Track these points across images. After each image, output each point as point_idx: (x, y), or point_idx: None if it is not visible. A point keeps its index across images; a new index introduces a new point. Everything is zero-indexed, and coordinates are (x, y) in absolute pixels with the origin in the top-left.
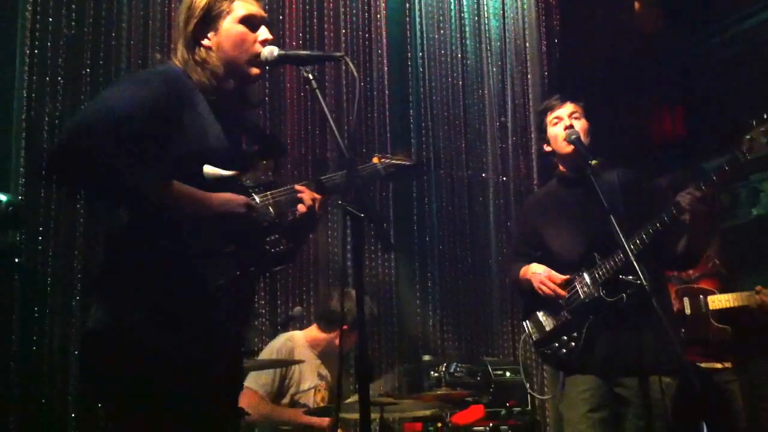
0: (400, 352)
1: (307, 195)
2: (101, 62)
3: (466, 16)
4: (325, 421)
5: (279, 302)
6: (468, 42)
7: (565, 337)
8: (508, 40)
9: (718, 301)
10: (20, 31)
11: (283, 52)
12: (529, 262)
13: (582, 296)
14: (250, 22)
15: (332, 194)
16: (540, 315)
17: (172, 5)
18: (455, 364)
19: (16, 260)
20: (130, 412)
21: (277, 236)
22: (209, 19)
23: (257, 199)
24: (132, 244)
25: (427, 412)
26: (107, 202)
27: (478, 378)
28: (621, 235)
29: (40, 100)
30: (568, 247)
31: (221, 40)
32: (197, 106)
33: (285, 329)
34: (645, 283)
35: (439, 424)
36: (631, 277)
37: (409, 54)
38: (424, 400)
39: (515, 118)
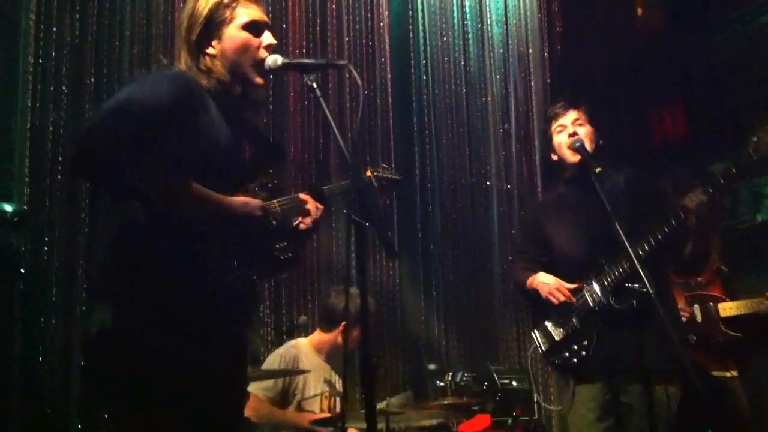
0: (404, 360)
1: (312, 204)
2: (105, 71)
3: (468, 22)
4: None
5: (284, 311)
6: (471, 48)
7: (575, 346)
8: (510, 46)
9: (729, 308)
10: (24, 38)
11: (287, 60)
12: (535, 269)
13: (591, 304)
14: (253, 27)
15: (332, 203)
16: (548, 324)
17: (176, 13)
18: (461, 372)
19: (21, 268)
20: (134, 415)
21: (285, 243)
22: (212, 27)
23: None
24: (135, 245)
25: (434, 421)
26: (123, 200)
27: (485, 386)
28: (626, 242)
29: (44, 109)
30: (575, 250)
31: (225, 47)
32: (209, 110)
33: (290, 338)
34: (651, 291)
35: None
36: (636, 285)
37: (412, 61)
38: (430, 409)
39: (518, 124)
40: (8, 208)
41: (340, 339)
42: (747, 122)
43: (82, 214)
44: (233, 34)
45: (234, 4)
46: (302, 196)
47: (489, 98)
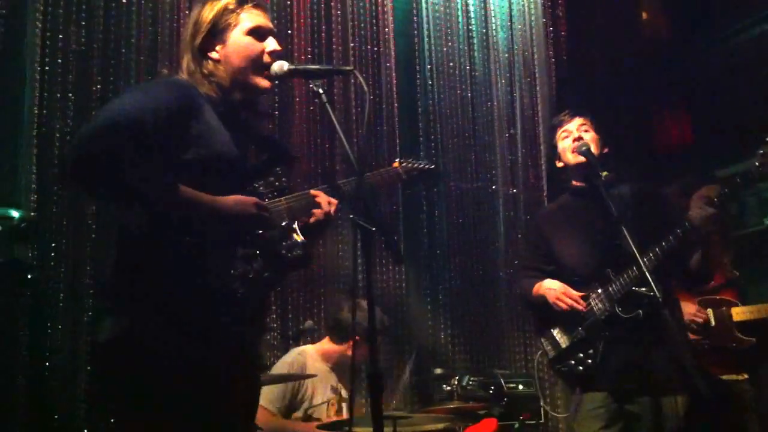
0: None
1: (323, 199)
2: (111, 78)
3: (473, 28)
4: None
5: (290, 316)
6: (476, 54)
7: (582, 354)
8: (516, 51)
9: (742, 312)
10: (30, 47)
11: (293, 66)
12: (541, 278)
13: (598, 313)
14: (257, 33)
15: (349, 199)
16: (555, 332)
17: (181, 21)
18: (467, 377)
19: (28, 275)
20: (140, 420)
21: (292, 240)
22: (217, 32)
23: (269, 204)
24: (138, 251)
25: (440, 426)
26: (118, 206)
27: (491, 391)
28: (633, 246)
29: (51, 116)
30: (581, 261)
31: (229, 52)
32: (205, 116)
33: (297, 343)
34: (658, 294)
35: None
36: (644, 289)
37: (418, 67)
38: (436, 414)
39: (524, 129)
40: (15, 214)
41: (349, 352)
42: (754, 129)
43: (88, 220)
44: (237, 39)
45: (239, 10)
46: (312, 191)
47: (494, 103)
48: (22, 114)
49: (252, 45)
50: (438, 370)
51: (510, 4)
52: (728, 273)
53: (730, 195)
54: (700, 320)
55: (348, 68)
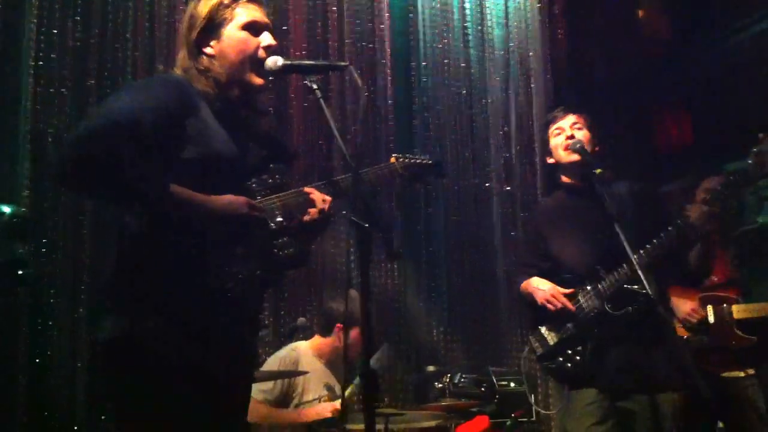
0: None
1: (317, 196)
2: (107, 73)
3: (469, 25)
4: (326, 413)
5: (283, 313)
6: (471, 51)
7: (570, 351)
8: (511, 48)
9: (744, 310)
10: (26, 42)
11: (287, 61)
12: (536, 275)
13: (587, 310)
14: (252, 28)
15: (346, 195)
16: (543, 329)
17: (178, 15)
18: (460, 374)
19: (22, 272)
20: (140, 419)
21: (285, 239)
22: (212, 27)
23: (263, 202)
24: (140, 251)
25: (432, 423)
26: (112, 206)
27: (483, 388)
28: (626, 243)
29: (46, 111)
30: (577, 258)
31: (224, 47)
32: (201, 113)
33: (290, 340)
34: (650, 292)
35: None
36: (636, 287)
37: (413, 63)
38: (428, 411)
39: (519, 126)
40: (7, 209)
41: (339, 342)
42: (754, 128)
43: (82, 216)
44: (232, 33)
45: (234, 5)
46: (306, 189)
47: (490, 100)
48: (17, 110)
49: (247, 40)
50: (431, 368)
51: (506, 1)
52: (730, 270)
53: (727, 192)
54: (694, 319)
55: (343, 64)
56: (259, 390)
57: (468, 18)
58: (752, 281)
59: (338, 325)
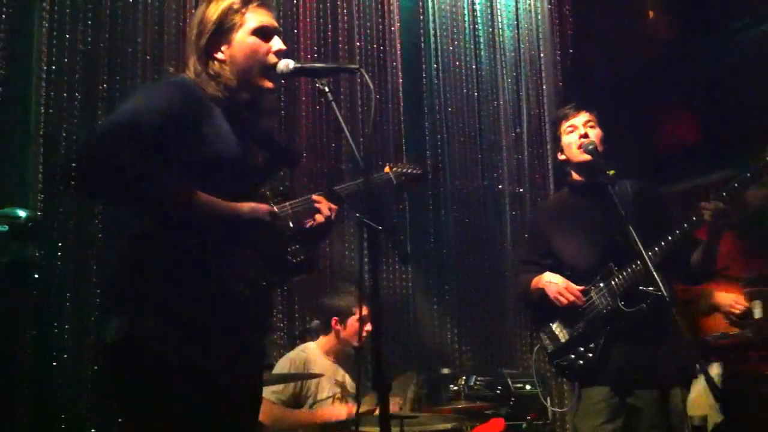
0: (417, 365)
1: (324, 205)
2: (117, 77)
3: (479, 26)
4: (341, 415)
5: (297, 315)
6: (482, 53)
7: (582, 348)
8: (522, 50)
9: None
10: (36, 47)
11: (298, 64)
12: (539, 272)
13: (600, 307)
14: (262, 33)
15: (346, 204)
16: (554, 326)
17: (187, 20)
18: (474, 377)
19: (34, 275)
20: (148, 421)
21: (297, 246)
22: (222, 32)
23: (276, 210)
24: (147, 254)
25: (447, 426)
26: (132, 212)
27: (498, 391)
28: (640, 245)
29: (57, 116)
30: (581, 256)
31: (234, 52)
32: (213, 117)
33: (303, 342)
34: (665, 293)
35: None
36: (651, 288)
37: (424, 65)
38: (443, 414)
39: (530, 128)
40: (21, 213)
41: (341, 334)
42: (760, 128)
43: (95, 220)
44: (242, 39)
45: (244, 10)
46: (314, 197)
47: (500, 102)
48: (28, 114)
49: (257, 45)
50: (445, 370)
51: (516, 2)
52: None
53: (740, 190)
54: (737, 311)
55: (354, 67)
56: (271, 391)
57: (478, 20)
58: None
59: (334, 318)
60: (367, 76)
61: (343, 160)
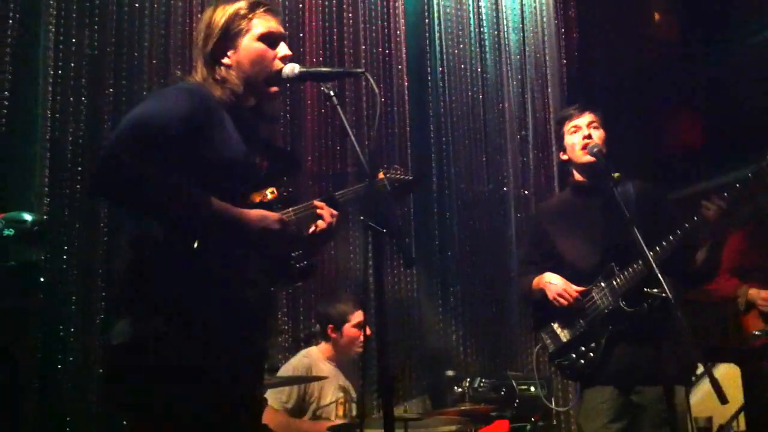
0: (422, 368)
1: (326, 211)
2: (124, 82)
3: (485, 30)
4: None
5: (302, 318)
6: (487, 56)
7: (583, 348)
8: (527, 53)
9: None
10: (43, 51)
11: (304, 69)
12: (540, 272)
13: (601, 307)
14: (269, 39)
15: (346, 209)
16: (555, 326)
17: (193, 24)
18: (479, 379)
19: (41, 278)
20: (155, 424)
21: (299, 252)
22: (228, 38)
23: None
24: (155, 255)
25: (452, 428)
26: (147, 217)
27: (503, 393)
28: (645, 247)
29: (63, 120)
30: (583, 256)
31: (240, 58)
32: (223, 122)
33: (307, 346)
34: (670, 295)
35: None
36: (655, 290)
37: (429, 69)
38: (448, 416)
39: (536, 131)
40: (28, 217)
41: (339, 342)
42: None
43: (101, 223)
44: (249, 45)
45: (250, 15)
46: (316, 203)
47: (506, 105)
48: (35, 118)
49: (264, 51)
50: (450, 372)
51: (521, 5)
52: None
53: (743, 191)
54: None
55: (359, 71)
56: (276, 398)
57: (483, 23)
58: None
59: (329, 326)
60: (372, 80)
61: (349, 164)
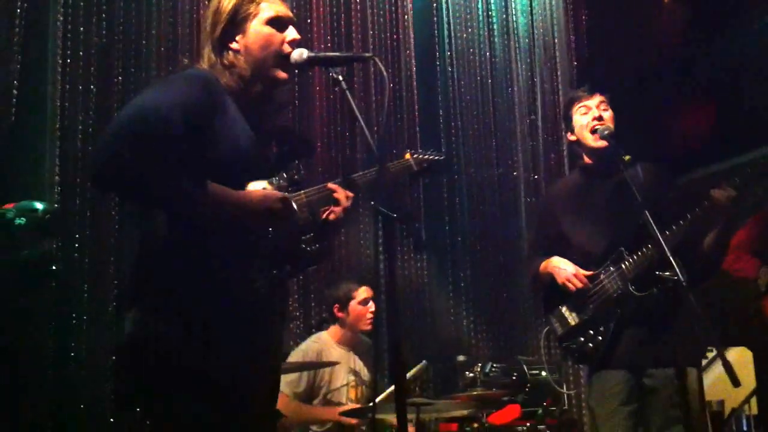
0: (433, 352)
1: (341, 193)
2: (132, 70)
3: (493, 14)
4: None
5: (313, 304)
6: (496, 40)
7: (591, 332)
8: (536, 37)
9: None
10: (52, 41)
11: (312, 54)
12: (549, 256)
13: (610, 291)
14: (277, 23)
15: (364, 191)
16: (564, 309)
17: (201, 12)
18: (490, 363)
19: (53, 268)
20: (169, 415)
21: (312, 235)
22: (236, 22)
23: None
24: (166, 248)
25: (464, 412)
26: (146, 207)
27: (514, 377)
28: (657, 231)
29: (73, 109)
30: (592, 240)
31: (249, 42)
32: (228, 110)
33: (319, 331)
34: (682, 279)
35: (475, 425)
36: (667, 273)
37: (437, 53)
38: (459, 401)
39: (545, 115)
40: (39, 206)
41: (347, 320)
42: None
43: (112, 212)
44: (257, 29)
45: (258, 0)
46: (330, 185)
47: (515, 89)
48: (44, 108)
49: (272, 35)
50: (461, 357)
51: None
52: None
53: (754, 177)
54: None
55: (368, 55)
56: (287, 384)
57: (492, 6)
58: None
59: (335, 306)
60: (381, 65)
61: (358, 149)
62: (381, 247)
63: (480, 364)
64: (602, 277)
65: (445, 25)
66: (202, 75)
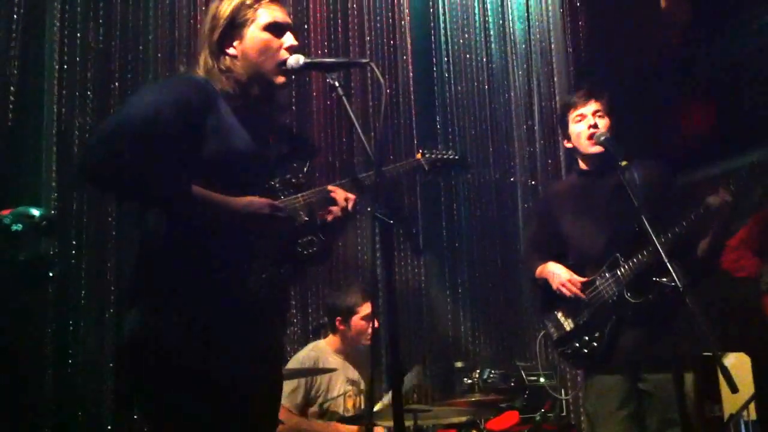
0: (431, 357)
1: (340, 195)
2: (129, 75)
3: (490, 19)
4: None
5: (310, 310)
6: (493, 45)
7: (587, 337)
8: (533, 41)
9: None
10: (49, 44)
11: (308, 59)
12: (546, 259)
13: (605, 296)
14: (275, 28)
15: (369, 192)
16: (559, 314)
17: (199, 16)
18: (488, 369)
19: (50, 272)
20: (168, 416)
21: (310, 237)
22: (234, 28)
23: (286, 202)
24: (164, 251)
25: (462, 418)
26: (132, 205)
27: (512, 383)
28: (653, 235)
29: (70, 113)
30: (589, 243)
31: (246, 48)
32: (220, 111)
33: (317, 338)
34: (680, 285)
35: (474, 431)
36: (665, 279)
37: (434, 59)
38: (457, 406)
39: (542, 119)
40: (36, 212)
41: (347, 334)
42: None
43: (109, 217)
44: (255, 34)
45: (256, 5)
46: (330, 187)
47: (512, 94)
48: (42, 112)
49: (270, 41)
50: (459, 363)
51: None
52: None
53: (750, 182)
54: None
55: (364, 61)
56: (284, 397)
57: (489, 12)
58: None
59: (337, 318)
60: (377, 70)
61: (355, 155)
62: (378, 252)
63: (478, 370)
64: (597, 283)
65: (442, 31)
66: (194, 78)
